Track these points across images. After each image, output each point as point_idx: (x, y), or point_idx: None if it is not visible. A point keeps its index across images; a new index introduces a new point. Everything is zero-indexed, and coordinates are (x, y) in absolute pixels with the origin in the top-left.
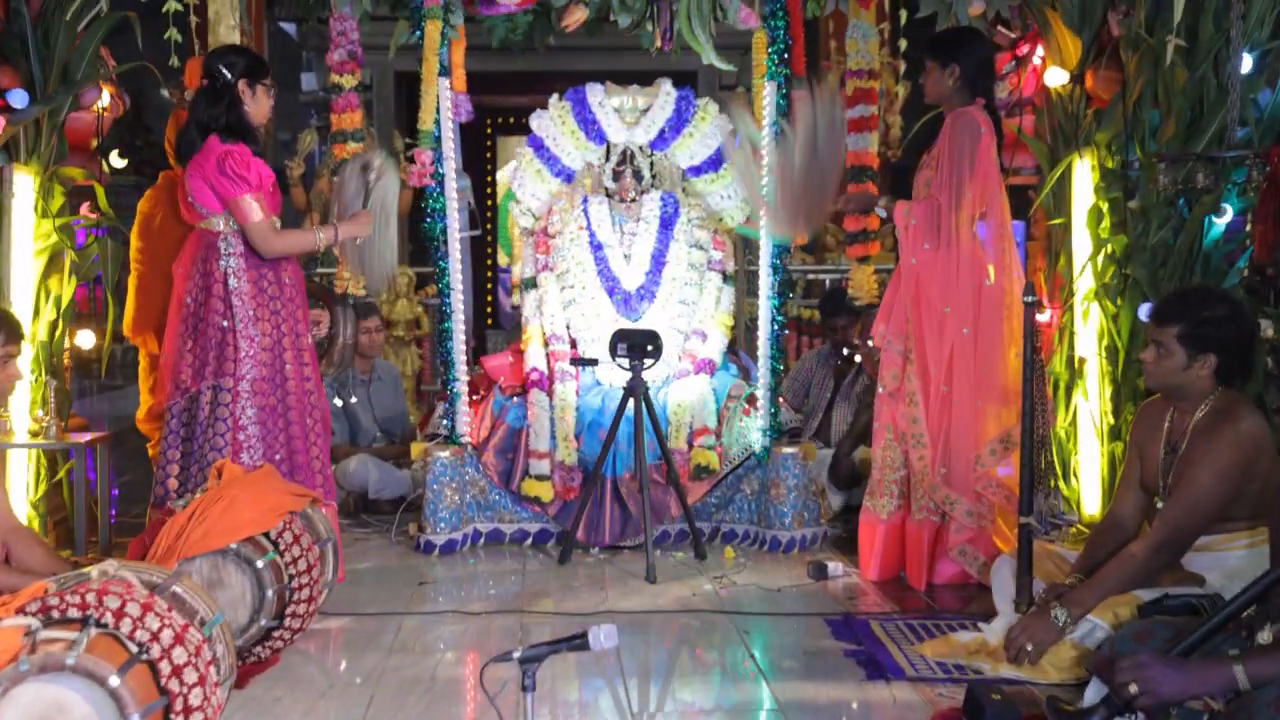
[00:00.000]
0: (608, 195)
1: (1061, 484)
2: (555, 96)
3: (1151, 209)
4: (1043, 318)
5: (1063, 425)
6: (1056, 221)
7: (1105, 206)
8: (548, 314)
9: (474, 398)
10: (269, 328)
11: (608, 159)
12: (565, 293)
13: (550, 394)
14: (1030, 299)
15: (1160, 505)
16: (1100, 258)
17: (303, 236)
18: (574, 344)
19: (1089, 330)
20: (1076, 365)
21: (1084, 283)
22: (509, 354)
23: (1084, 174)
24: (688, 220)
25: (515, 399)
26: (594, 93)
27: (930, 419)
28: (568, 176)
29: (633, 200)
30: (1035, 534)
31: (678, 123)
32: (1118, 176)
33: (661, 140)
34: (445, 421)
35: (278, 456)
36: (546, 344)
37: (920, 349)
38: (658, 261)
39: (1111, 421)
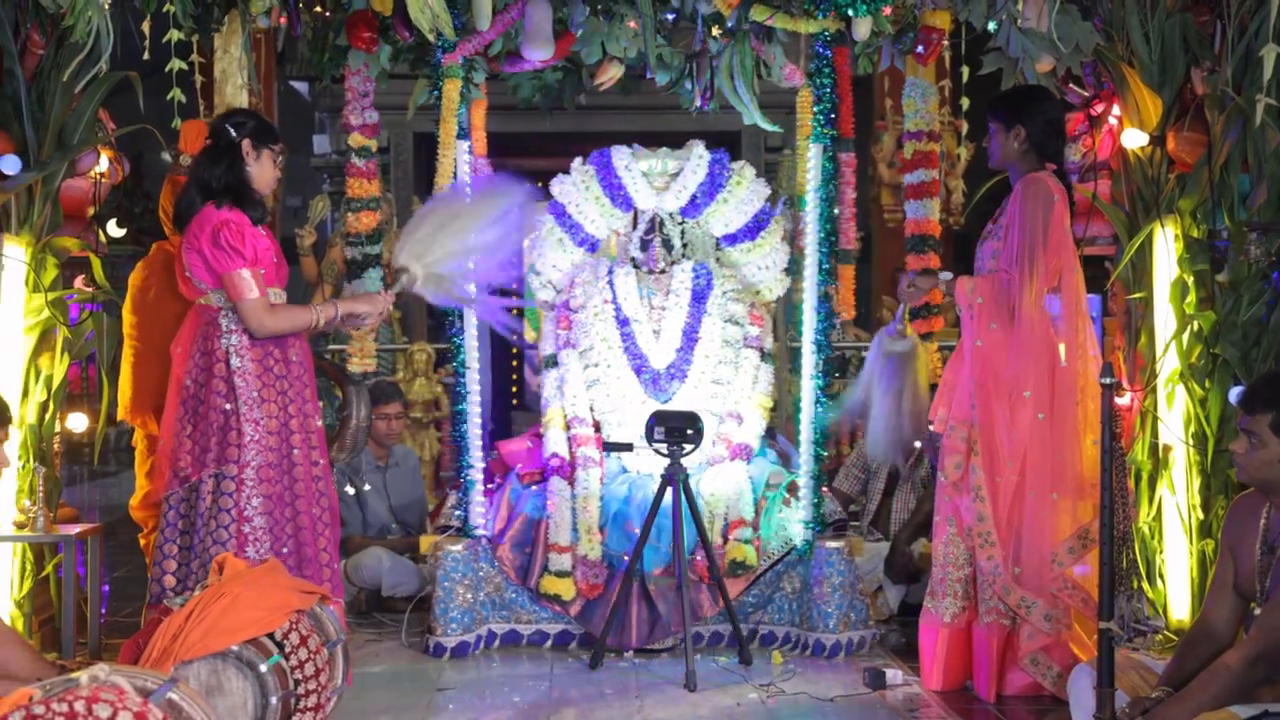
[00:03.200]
0: (635, 266)
1: (1146, 586)
2: (579, 160)
3: (1242, 283)
4: (1122, 401)
5: (1146, 520)
6: (1136, 296)
7: (1190, 280)
8: (569, 395)
9: (489, 486)
10: (275, 409)
11: (635, 227)
12: (589, 371)
13: (572, 482)
14: (1108, 381)
15: (1257, 611)
16: (1186, 336)
17: (299, 315)
18: (598, 427)
19: (1174, 415)
20: (1160, 454)
21: (1168, 363)
22: (527, 438)
23: (1166, 244)
24: (722, 293)
25: (534, 487)
26: (620, 155)
27: (1001, 514)
28: (591, 246)
29: (662, 271)
30: (1117, 641)
31: (711, 188)
32: (1204, 247)
33: (693, 207)
34: (458, 512)
35: (285, 549)
36: (568, 427)
37: (988, 438)
38: (689, 338)
39: (1201, 517)
